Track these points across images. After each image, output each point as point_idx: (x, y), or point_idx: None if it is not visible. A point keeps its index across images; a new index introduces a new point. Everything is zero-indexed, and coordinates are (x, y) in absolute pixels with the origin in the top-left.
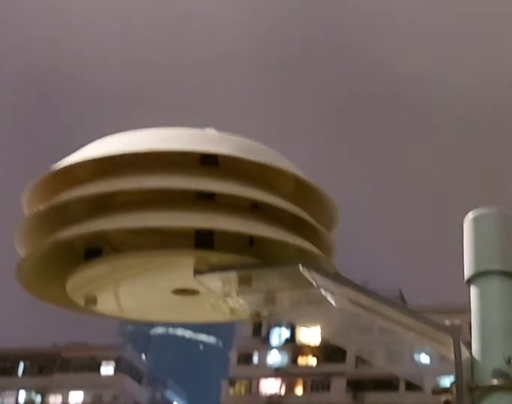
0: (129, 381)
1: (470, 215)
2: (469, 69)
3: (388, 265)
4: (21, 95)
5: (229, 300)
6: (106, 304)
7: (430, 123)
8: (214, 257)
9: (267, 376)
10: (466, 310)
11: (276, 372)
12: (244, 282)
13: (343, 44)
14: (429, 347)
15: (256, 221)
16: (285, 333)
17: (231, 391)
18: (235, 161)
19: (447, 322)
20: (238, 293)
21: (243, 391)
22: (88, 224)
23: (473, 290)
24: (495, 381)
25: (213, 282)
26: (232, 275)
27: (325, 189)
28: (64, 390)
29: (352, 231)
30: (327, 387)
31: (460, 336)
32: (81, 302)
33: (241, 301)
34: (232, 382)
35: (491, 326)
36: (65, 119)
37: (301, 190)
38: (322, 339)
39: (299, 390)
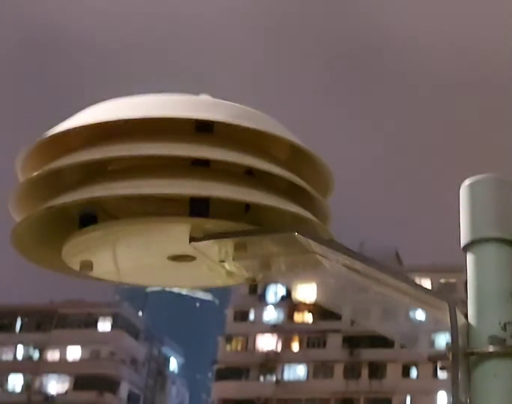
0: (126, 337)
1: (466, 182)
2: (466, 32)
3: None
4: (20, 54)
5: (225, 264)
6: (101, 268)
7: (427, 85)
8: (210, 224)
9: (263, 332)
10: (462, 269)
11: (272, 328)
12: (240, 248)
13: (340, 3)
14: (425, 311)
15: (252, 188)
16: (281, 290)
17: (228, 347)
18: (230, 127)
19: (442, 281)
20: (233, 259)
21: (239, 347)
22: (82, 191)
23: (469, 257)
24: (490, 347)
25: (209, 248)
26: (228, 241)
27: (320, 151)
28: (61, 346)
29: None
30: (323, 344)
31: (456, 303)
32: (76, 267)
33: (237, 265)
34: (228, 339)
35: (487, 293)
36: (64, 78)
37: (297, 156)
38: (317, 302)
39: (295, 347)
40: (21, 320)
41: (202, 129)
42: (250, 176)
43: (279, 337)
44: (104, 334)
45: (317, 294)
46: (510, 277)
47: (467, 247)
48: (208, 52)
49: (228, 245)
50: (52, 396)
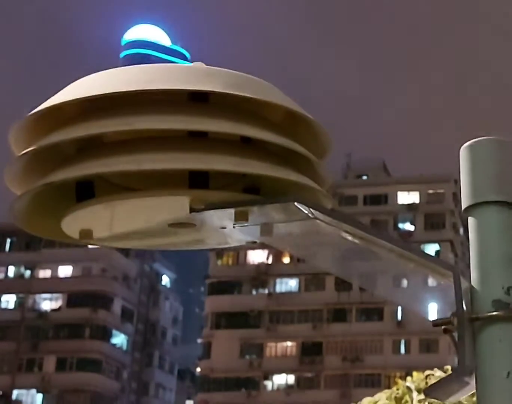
0: (117, 254)
1: (466, 145)
2: None
3: (371, 137)
4: None
5: (226, 231)
6: (101, 235)
7: None
8: (210, 195)
9: (254, 246)
10: (450, 179)
11: None
12: (241, 216)
13: None
14: (429, 277)
15: (250, 158)
16: None
17: (219, 262)
18: (225, 95)
19: (430, 192)
20: (234, 226)
21: (230, 261)
22: (80, 167)
23: (471, 221)
24: (495, 312)
25: (210, 217)
26: (229, 211)
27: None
28: (52, 264)
29: (336, 102)
30: None
31: (459, 272)
32: (76, 236)
33: (238, 231)
34: (219, 254)
35: (490, 257)
36: None
37: (293, 118)
38: (323, 269)
39: (286, 260)
40: (10, 239)
41: (197, 97)
42: (248, 144)
43: (270, 250)
44: (94, 251)
45: (321, 260)
46: None
47: (468, 211)
48: None
49: (228, 214)
50: (46, 313)
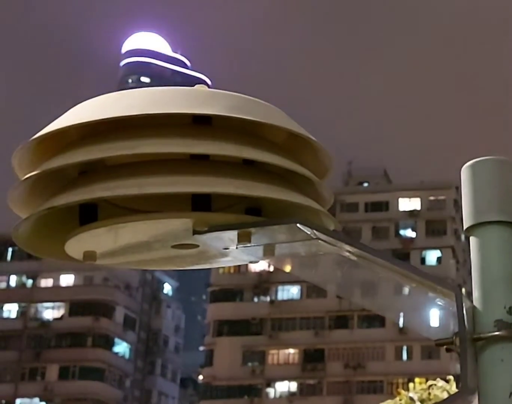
0: None
1: (467, 164)
2: None
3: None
4: None
5: (228, 252)
6: (104, 256)
7: None
8: (213, 217)
9: None
10: (451, 185)
11: None
12: (244, 238)
13: None
14: (431, 296)
15: (253, 180)
16: None
17: (220, 270)
18: (228, 117)
19: (432, 199)
20: (237, 247)
21: (232, 269)
22: (81, 191)
23: (473, 241)
24: (497, 331)
25: (213, 239)
26: (232, 232)
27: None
28: (54, 273)
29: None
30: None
31: (462, 293)
32: (80, 257)
33: (240, 252)
34: None
35: (492, 276)
36: None
37: (295, 139)
38: (321, 286)
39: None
40: (12, 249)
41: (200, 120)
42: (250, 166)
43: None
44: None
45: (321, 279)
46: None
47: (470, 231)
48: None
49: (231, 236)
50: (48, 322)
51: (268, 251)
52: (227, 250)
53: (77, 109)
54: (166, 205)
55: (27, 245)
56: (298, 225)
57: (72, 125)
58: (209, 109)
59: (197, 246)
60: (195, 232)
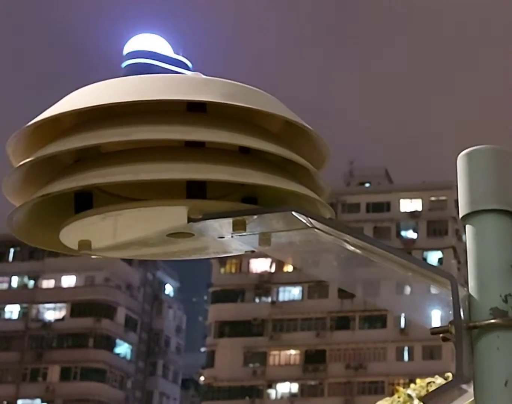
0: (120, 263)
1: (463, 153)
2: None
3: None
4: None
5: (223, 240)
6: (99, 246)
7: None
8: (207, 205)
9: (257, 255)
10: (452, 186)
11: None
12: (239, 226)
13: None
14: (427, 285)
15: (248, 167)
16: None
17: (222, 270)
18: (222, 105)
19: (433, 199)
20: (232, 236)
21: (233, 270)
22: (78, 178)
23: (469, 229)
24: (492, 319)
25: (208, 227)
26: (227, 220)
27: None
28: (56, 274)
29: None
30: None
31: (457, 279)
32: (75, 247)
33: (236, 241)
34: (222, 262)
35: (488, 265)
36: None
37: (291, 127)
38: (319, 278)
39: (289, 268)
40: (14, 249)
41: (194, 108)
42: (246, 154)
43: (273, 258)
44: (97, 260)
45: (320, 270)
46: (511, 249)
47: (466, 219)
48: None
49: (226, 224)
50: (50, 323)
51: (264, 240)
52: (222, 238)
53: (71, 96)
54: (161, 193)
55: (22, 234)
56: (293, 213)
57: (67, 112)
58: (204, 96)
59: (192, 234)
60: (190, 220)
